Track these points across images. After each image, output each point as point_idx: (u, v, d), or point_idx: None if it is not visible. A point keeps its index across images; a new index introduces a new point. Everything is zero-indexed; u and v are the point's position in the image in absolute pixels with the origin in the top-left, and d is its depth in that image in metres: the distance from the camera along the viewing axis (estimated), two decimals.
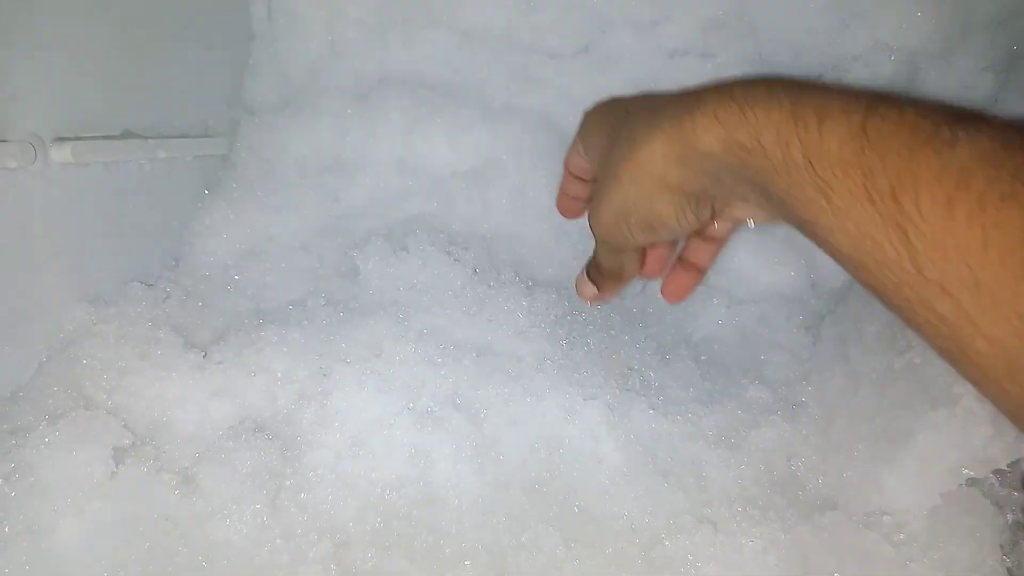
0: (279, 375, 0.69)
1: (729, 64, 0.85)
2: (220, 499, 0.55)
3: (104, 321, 0.68)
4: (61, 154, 0.62)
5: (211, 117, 0.87)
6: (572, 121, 0.91)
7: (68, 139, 0.63)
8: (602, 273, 0.56)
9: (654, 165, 0.43)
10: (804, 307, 0.87)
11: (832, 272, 0.88)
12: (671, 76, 0.88)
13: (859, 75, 0.84)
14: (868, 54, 0.84)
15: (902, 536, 0.58)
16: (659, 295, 0.61)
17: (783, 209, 0.37)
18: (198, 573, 0.51)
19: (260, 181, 0.90)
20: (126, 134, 0.72)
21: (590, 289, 0.57)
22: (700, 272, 0.59)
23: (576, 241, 0.86)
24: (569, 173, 0.60)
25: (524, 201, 0.89)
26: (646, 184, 0.44)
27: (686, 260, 0.58)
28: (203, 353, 0.69)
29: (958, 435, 0.59)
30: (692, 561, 0.58)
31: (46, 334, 0.66)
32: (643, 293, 0.89)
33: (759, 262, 0.88)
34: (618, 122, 0.48)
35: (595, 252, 0.56)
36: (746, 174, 0.38)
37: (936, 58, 0.83)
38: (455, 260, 0.81)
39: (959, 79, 0.83)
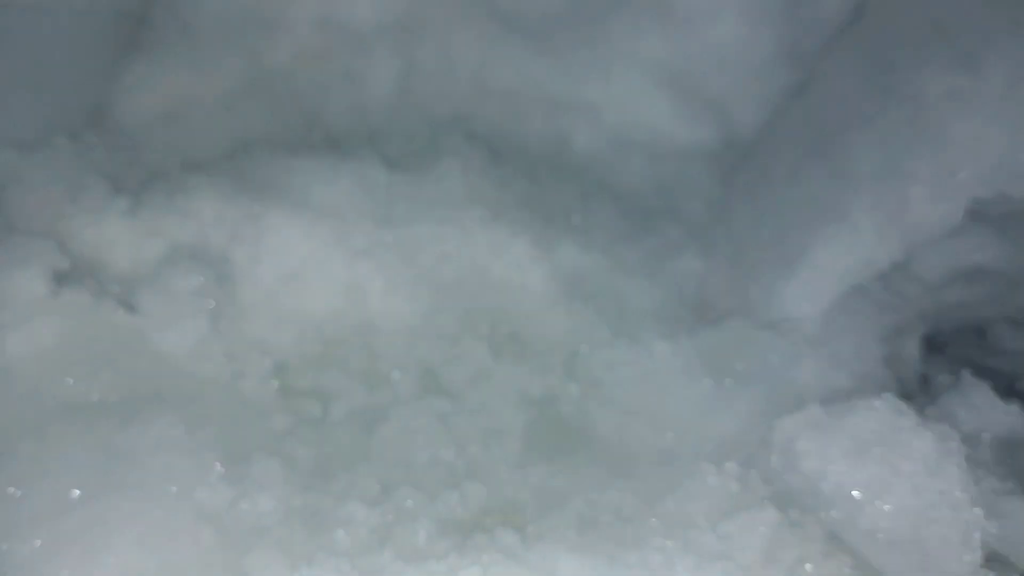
0: (211, 219, 0.70)
1: None
2: (161, 316, 0.58)
3: (32, 167, 0.69)
4: None
5: None
6: None
7: None
8: None
9: None
10: (719, 161, 0.92)
11: (746, 125, 0.92)
12: None
13: None
14: None
15: (797, 335, 0.65)
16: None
17: None
18: (143, 381, 0.54)
19: (179, 41, 0.89)
20: None
21: None
22: None
23: (501, 90, 0.88)
24: None
25: (448, 59, 0.90)
26: None
27: None
28: (133, 198, 0.70)
29: (846, 246, 0.65)
30: (608, 365, 0.64)
31: None
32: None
33: (678, 120, 0.92)
34: None
35: None
36: None
37: None
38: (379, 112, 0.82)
39: None
